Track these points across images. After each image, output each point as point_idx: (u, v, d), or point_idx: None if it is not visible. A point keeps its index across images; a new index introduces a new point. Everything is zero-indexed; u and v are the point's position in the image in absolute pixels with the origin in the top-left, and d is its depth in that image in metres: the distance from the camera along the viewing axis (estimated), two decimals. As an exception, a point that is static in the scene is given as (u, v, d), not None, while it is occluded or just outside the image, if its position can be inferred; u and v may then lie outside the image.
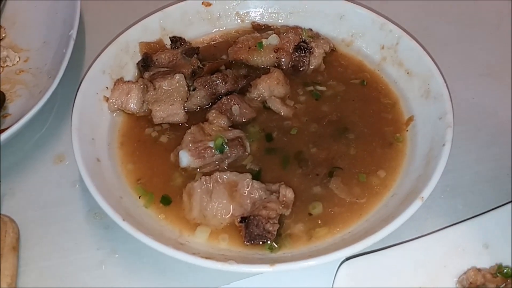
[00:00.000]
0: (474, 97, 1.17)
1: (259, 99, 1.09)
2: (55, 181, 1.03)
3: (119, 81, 1.08)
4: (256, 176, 0.96)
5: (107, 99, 1.07)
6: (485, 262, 0.86)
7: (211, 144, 0.97)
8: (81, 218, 0.97)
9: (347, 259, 0.86)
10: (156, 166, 1.00)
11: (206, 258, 0.80)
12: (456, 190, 1.01)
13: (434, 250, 0.88)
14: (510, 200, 0.96)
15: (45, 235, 0.95)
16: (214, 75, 1.09)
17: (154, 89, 1.07)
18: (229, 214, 0.91)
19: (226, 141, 0.98)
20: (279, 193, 0.91)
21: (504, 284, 0.83)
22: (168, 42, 1.19)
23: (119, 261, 0.92)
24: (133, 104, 1.06)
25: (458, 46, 1.28)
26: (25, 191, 1.01)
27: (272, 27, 1.24)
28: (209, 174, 0.94)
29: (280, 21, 1.25)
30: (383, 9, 1.23)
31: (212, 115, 1.03)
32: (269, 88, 1.09)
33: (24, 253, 0.92)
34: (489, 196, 0.99)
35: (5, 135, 0.98)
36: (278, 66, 1.16)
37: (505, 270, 0.84)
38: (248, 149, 1.01)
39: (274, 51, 1.16)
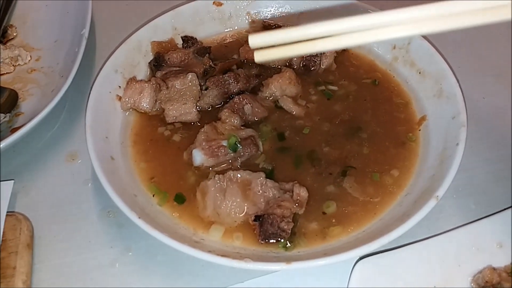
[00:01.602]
0: (485, 96, 1.17)
1: (271, 98, 1.10)
2: (68, 179, 1.03)
3: (132, 80, 1.09)
4: (269, 175, 0.96)
5: (120, 98, 1.07)
6: (500, 261, 0.86)
7: (224, 143, 0.97)
8: (94, 216, 0.97)
9: (362, 258, 0.86)
10: (169, 164, 1.00)
11: (222, 255, 0.80)
12: (469, 189, 1.01)
13: (448, 249, 0.88)
14: (523, 199, 0.96)
15: (58, 233, 0.95)
16: (226, 75, 1.09)
17: (167, 88, 1.07)
18: (243, 213, 0.91)
19: (239, 140, 0.98)
20: (292, 192, 0.91)
21: (519, 283, 0.83)
22: (179, 42, 1.20)
23: (133, 259, 0.92)
24: (145, 103, 1.06)
25: (469, 46, 1.28)
26: (38, 189, 1.02)
27: (283, 26, 1.25)
28: (222, 172, 0.94)
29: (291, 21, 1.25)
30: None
31: (224, 114, 1.03)
32: (281, 88, 1.09)
33: (38, 250, 0.92)
34: (502, 195, 0.99)
35: (18, 133, 0.99)
36: (290, 65, 1.16)
37: (521, 269, 0.84)
38: (261, 148, 1.01)
39: (286, 51, 1.16)
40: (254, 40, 0.64)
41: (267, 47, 0.64)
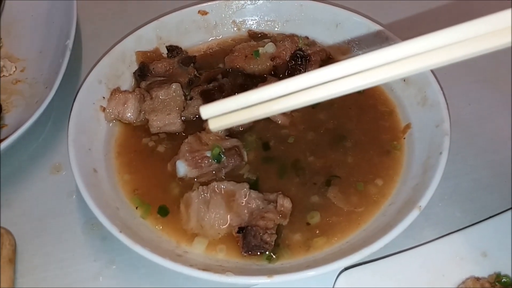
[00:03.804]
0: (470, 103, 1.17)
1: (256, 107, 1.09)
2: (52, 191, 1.03)
3: (116, 90, 1.08)
4: (254, 186, 0.96)
5: (104, 109, 1.07)
6: (484, 271, 0.86)
7: (208, 154, 0.97)
8: (78, 229, 0.97)
9: (346, 268, 0.86)
10: (153, 176, 1.00)
11: (204, 269, 0.80)
12: (454, 197, 1.00)
13: (432, 259, 0.87)
14: (509, 207, 0.95)
15: (41, 247, 0.94)
16: (211, 84, 1.09)
17: (151, 98, 1.07)
18: (227, 224, 0.90)
19: (223, 150, 0.97)
20: (276, 202, 0.91)
21: (502, 293, 0.82)
22: (164, 51, 1.19)
23: (116, 273, 0.91)
24: (130, 114, 1.06)
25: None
26: (21, 202, 1.01)
27: (268, 35, 1.24)
28: (206, 184, 0.94)
29: (276, 29, 1.25)
30: (379, 17, 1.23)
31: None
32: (266, 97, 1.09)
33: (20, 265, 0.92)
34: (488, 203, 0.99)
35: (2, 146, 0.98)
36: (275, 74, 1.16)
37: (504, 279, 0.83)
38: (245, 158, 1.01)
39: (271, 59, 1.16)
40: (206, 111, 0.61)
41: (222, 115, 0.61)
